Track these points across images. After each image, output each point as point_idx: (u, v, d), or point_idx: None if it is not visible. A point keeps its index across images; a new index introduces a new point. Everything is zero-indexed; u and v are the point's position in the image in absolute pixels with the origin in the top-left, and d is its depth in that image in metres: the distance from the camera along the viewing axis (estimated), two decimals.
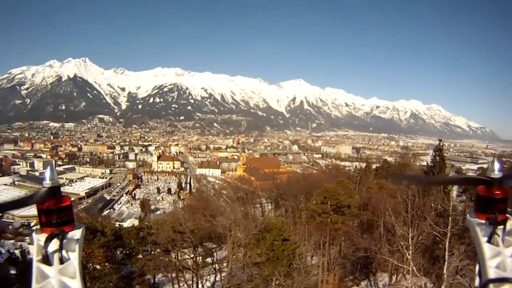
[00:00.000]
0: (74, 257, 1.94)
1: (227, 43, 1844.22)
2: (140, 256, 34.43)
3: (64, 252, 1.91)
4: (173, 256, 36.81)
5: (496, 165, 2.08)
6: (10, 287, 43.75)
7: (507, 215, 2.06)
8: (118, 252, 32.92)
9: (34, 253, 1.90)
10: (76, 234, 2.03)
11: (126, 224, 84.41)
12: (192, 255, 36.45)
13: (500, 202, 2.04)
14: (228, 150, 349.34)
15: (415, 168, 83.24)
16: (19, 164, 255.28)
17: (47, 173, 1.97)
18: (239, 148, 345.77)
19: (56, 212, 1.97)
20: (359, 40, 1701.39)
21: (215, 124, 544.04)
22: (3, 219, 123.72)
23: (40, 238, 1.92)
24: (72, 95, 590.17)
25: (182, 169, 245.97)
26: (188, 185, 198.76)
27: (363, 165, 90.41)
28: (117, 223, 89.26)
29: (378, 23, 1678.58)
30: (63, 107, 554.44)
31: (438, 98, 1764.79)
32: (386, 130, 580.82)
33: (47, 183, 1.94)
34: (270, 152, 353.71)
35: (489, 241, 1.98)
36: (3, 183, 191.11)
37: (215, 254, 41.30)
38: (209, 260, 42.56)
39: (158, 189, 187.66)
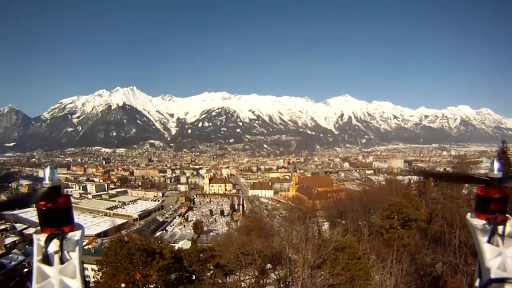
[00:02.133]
0: (74, 257, 1.97)
1: (271, 64, 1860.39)
2: (201, 279, 31.51)
3: (64, 252, 1.94)
4: (236, 279, 34.01)
5: (496, 165, 2.08)
6: None
7: (507, 215, 2.07)
8: (176, 275, 30.25)
9: (34, 253, 1.94)
10: (76, 234, 2.06)
11: (178, 245, 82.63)
12: (256, 277, 33.47)
13: (500, 202, 2.06)
14: (279, 170, 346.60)
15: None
16: (72, 188, 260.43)
17: (47, 173, 2.00)
18: (290, 168, 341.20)
19: (55, 212, 2.00)
20: (402, 50, 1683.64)
21: (264, 145, 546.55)
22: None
23: (40, 238, 1.95)
24: (122, 122, 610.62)
25: (234, 191, 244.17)
26: (241, 207, 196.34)
27: (415, 178, 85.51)
28: (169, 244, 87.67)
29: (418, 31, 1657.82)
30: (114, 134, 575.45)
31: (487, 101, 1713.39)
32: (436, 140, 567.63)
33: (47, 183, 1.98)
34: (321, 171, 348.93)
35: (489, 241, 1.99)
36: None
37: (277, 275, 37.98)
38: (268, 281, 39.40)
39: (210, 211, 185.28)
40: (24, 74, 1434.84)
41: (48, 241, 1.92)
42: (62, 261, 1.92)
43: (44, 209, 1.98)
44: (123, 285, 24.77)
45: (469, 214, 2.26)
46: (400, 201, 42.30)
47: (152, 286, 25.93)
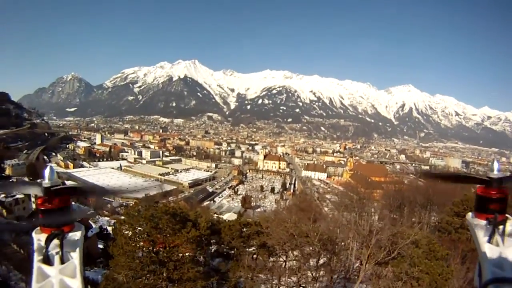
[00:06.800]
0: (74, 256, 1.98)
1: (335, 46, 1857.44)
2: (240, 259, 26.43)
3: (64, 252, 1.94)
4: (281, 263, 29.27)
5: (496, 165, 2.07)
6: (95, 260, 40.70)
7: (507, 215, 2.07)
8: (212, 249, 25.76)
9: (34, 253, 1.92)
10: (76, 234, 2.06)
11: (224, 217, 79.97)
12: (310, 265, 28.49)
13: (500, 202, 2.06)
14: (335, 154, 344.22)
15: None
16: (127, 152, 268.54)
17: (47, 173, 1.98)
18: (345, 153, 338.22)
19: (55, 212, 1.98)
20: (470, 44, 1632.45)
21: (322, 128, 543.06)
22: (104, 198, 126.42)
23: (40, 238, 1.96)
24: (183, 94, 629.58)
25: (287, 169, 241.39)
26: (292, 186, 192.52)
27: None
28: (215, 215, 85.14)
29: (491, 28, 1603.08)
30: (174, 104, 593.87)
31: None
32: (497, 144, 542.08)
33: (47, 183, 1.95)
34: (376, 160, 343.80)
35: (489, 241, 1.99)
36: (111, 167, 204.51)
37: (331, 265, 32.63)
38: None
39: (261, 187, 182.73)
40: (89, 44, 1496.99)
41: (48, 241, 1.92)
42: (62, 261, 1.92)
43: (44, 209, 1.96)
44: (141, 253, 20.61)
45: (469, 214, 2.25)
46: None
47: (179, 262, 21.43)
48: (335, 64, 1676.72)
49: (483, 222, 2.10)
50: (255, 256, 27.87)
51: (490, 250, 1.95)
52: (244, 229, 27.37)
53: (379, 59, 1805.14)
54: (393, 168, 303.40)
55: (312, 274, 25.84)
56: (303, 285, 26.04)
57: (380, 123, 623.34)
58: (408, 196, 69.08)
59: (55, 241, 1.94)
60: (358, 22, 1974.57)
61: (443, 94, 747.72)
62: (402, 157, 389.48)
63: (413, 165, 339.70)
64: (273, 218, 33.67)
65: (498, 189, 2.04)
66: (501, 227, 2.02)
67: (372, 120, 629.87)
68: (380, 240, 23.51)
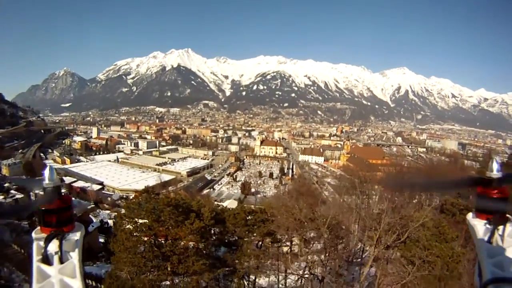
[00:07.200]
0: (74, 256, 1.99)
1: (328, 30, 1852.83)
2: (243, 248, 25.49)
3: (64, 252, 1.95)
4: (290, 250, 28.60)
5: (495, 165, 2.06)
6: (96, 254, 40.58)
7: (507, 215, 2.06)
8: (214, 237, 24.76)
9: (34, 253, 1.92)
10: (76, 234, 2.06)
11: (224, 204, 79.81)
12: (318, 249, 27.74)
13: (500, 202, 2.05)
14: (332, 138, 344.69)
15: None
16: (124, 144, 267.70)
17: (47, 173, 1.99)
18: (342, 137, 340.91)
19: (55, 212, 1.99)
20: (465, 27, 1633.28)
21: (319, 112, 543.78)
22: (104, 191, 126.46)
23: (39, 238, 1.96)
24: (177, 83, 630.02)
25: (285, 154, 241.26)
26: (290, 171, 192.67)
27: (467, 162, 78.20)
28: (215, 202, 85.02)
29: (484, 8, 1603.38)
30: (169, 94, 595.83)
31: None
32: (493, 126, 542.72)
33: (47, 183, 1.97)
34: (373, 143, 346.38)
35: (489, 241, 2.00)
36: (107, 159, 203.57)
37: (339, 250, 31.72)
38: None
39: (260, 172, 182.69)
40: (80, 38, 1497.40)
41: (47, 241, 1.92)
42: (61, 261, 1.92)
43: (44, 209, 1.96)
44: (143, 248, 19.75)
45: (469, 214, 2.25)
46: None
47: (183, 255, 20.56)
48: (329, 48, 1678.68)
49: (484, 222, 2.09)
50: (260, 243, 27.14)
51: (490, 250, 1.94)
52: (249, 217, 26.54)
53: (372, 43, 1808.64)
54: (389, 151, 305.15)
55: (319, 259, 25.26)
56: (311, 271, 25.48)
57: (377, 106, 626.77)
58: (409, 178, 68.31)
59: (55, 241, 1.93)
60: (352, 7, 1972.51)
61: (438, 76, 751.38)
62: (399, 139, 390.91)
63: (409, 147, 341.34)
64: (280, 205, 33.00)
65: (498, 189, 2.02)
66: (501, 227, 2.01)
67: (369, 103, 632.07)
68: (388, 223, 22.89)
